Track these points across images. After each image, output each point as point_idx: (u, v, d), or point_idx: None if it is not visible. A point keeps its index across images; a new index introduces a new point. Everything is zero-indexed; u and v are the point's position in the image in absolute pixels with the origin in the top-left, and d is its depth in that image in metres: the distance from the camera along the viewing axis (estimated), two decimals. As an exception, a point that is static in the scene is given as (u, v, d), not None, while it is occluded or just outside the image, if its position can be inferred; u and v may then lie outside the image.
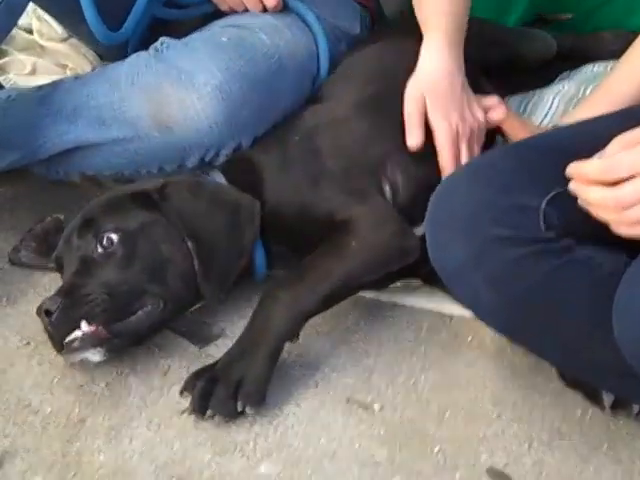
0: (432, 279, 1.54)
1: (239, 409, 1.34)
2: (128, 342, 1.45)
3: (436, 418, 1.36)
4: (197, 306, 1.54)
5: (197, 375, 1.39)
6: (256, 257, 1.55)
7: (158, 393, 1.42)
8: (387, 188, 1.54)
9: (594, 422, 1.34)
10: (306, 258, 1.47)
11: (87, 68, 2.10)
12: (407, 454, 1.31)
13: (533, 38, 1.95)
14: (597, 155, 1.14)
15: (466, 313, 1.52)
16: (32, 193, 1.85)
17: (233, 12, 1.78)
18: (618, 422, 1.34)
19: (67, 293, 1.41)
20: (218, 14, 1.79)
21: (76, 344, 1.39)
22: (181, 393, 1.38)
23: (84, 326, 1.39)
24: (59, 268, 1.52)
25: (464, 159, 1.55)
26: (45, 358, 1.48)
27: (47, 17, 2.05)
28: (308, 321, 1.43)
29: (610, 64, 1.95)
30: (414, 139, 1.54)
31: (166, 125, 1.61)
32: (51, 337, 1.41)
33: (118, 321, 1.41)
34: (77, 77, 1.80)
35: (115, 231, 1.46)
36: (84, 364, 1.43)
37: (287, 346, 1.43)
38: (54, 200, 1.81)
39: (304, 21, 1.79)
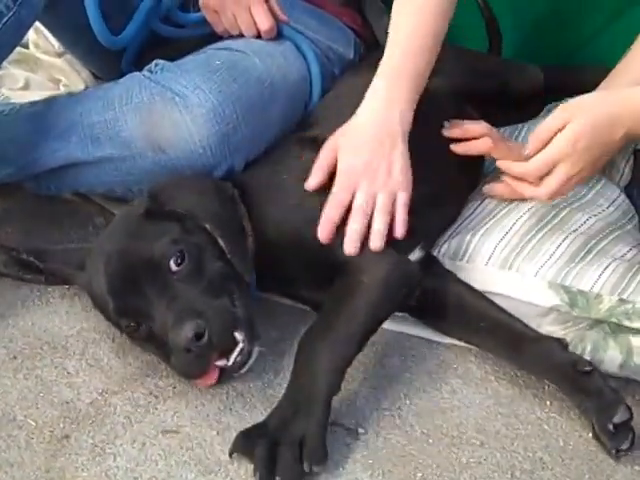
0: (418, 312, 1.56)
1: (306, 470, 1.29)
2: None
3: (420, 444, 1.37)
4: None
5: (247, 437, 1.33)
6: None
7: (143, 411, 1.41)
8: None
9: (576, 453, 1.35)
10: (323, 307, 1.45)
11: (80, 86, 2.10)
12: (390, 479, 1.31)
13: (522, 69, 1.96)
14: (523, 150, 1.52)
15: (452, 340, 1.54)
16: (22, 207, 1.85)
17: (228, 35, 1.80)
18: (600, 454, 1.35)
19: (195, 315, 1.36)
20: (213, 37, 1.81)
21: (241, 358, 1.39)
22: (230, 455, 1.33)
23: (240, 337, 1.39)
24: (137, 316, 1.42)
25: (357, 221, 1.47)
26: (31, 373, 1.48)
27: (45, 30, 2.05)
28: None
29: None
30: (312, 180, 1.52)
31: (159, 146, 1.62)
32: (197, 360, 1.38)
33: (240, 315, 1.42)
34: (71, 94, 1.82)
35: (176, 244, 1.43)
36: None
37: (273, 367, 1.46)
38: (44, 214, 1.82)
39: (298, 48, 1.81)
